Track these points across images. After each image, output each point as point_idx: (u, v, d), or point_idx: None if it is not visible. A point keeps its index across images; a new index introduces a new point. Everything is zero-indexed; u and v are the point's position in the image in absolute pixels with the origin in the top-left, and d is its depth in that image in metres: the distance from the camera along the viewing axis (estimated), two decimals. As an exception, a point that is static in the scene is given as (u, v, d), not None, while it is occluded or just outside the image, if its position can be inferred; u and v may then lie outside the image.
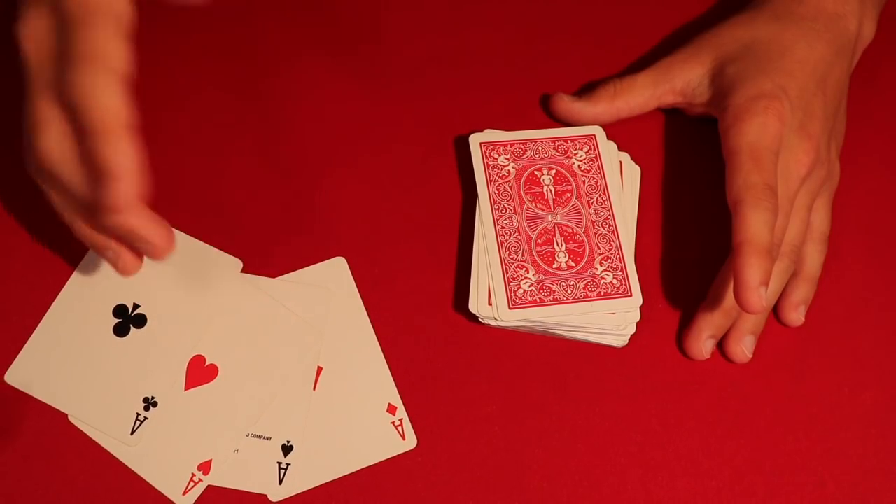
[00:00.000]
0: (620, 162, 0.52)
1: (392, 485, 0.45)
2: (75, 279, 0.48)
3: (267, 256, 0.49)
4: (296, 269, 0.49)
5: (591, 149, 0.51)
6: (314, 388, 0.46)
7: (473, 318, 0.48)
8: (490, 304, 0.47)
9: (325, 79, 0.54)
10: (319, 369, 0.47)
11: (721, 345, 0.49)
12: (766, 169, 0.46)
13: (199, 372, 0.46)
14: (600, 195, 0.50)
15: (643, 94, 0.52)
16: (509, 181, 0.50)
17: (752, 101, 0.47)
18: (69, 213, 0.41)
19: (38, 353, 0.46)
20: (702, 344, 0.48)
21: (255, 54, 0.55)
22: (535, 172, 0.50)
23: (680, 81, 0.52)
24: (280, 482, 0.45)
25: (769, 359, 0.49)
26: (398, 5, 0.57)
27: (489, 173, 0.50)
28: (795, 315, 0.49)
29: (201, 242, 0.49)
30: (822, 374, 0.49)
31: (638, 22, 0.57)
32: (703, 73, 0.51)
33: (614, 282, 0.48)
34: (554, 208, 0.49)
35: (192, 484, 0.44)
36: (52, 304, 0.47)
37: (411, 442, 0.46)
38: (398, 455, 0.46)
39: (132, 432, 0.45)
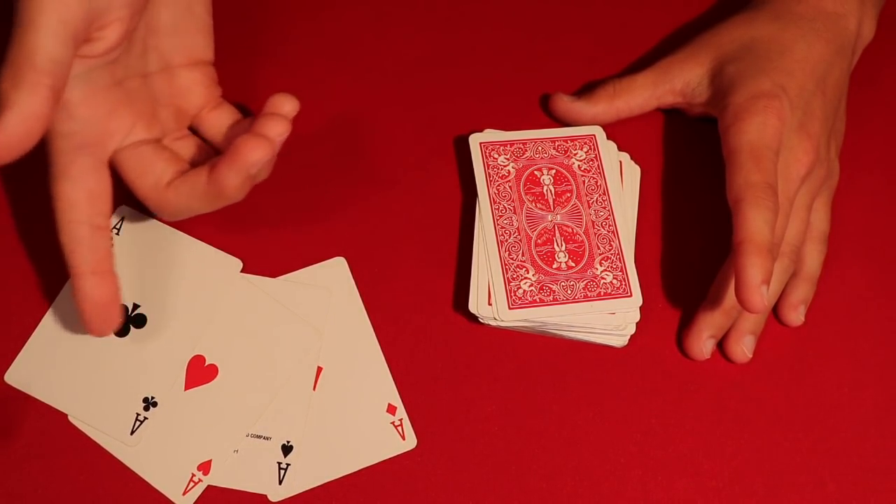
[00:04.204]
0: (620, 162, 0.52)
1: (392, 485, 0.45)
2: (75, 279, 0.48)
3: (267, 256, 0.49)
4: (296, 269, 0.49)
5: (590, 149, 0.51)
6: (314, 388, 0.46)
7: (473, 318, 0.48)
8: (490, 304, 0.47)
9: (325, 78, 0.55)
10: (319, 369, 0.47)
11: (721, 345, 0.49)
12: (766, 168, 0.46)
13: (199, 372, 0.46)
14: (600, 195, 0.50)
15: (643, 94, 0.52)
16: (509, 181, 0.50)
17: (752, 101, 0.47)
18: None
19: (38, 353, 0.46)
20: (702, 344, 0.48)
21: (255, 53, 0.55)
22: (535, 172, 0.50)
23: (679, 81, 0.52)
24: (280, 482, 0.45)
25: (769, 359, 0.49)
26: (398, 5, 0.57)
27: (489, 173, 0.50)
28: (795, 315, 0.49)
29: (201, 242, 0.49)
30: (822, 374, 0.49)
31: (638, 22, 0.57)
32: (703, 73, 0.51)
33: (614, 282, 0.48)
34: (554, 208, 0.49)
35: (191, 484, 0.44)
36: (52, 304, 0.47)
37: (411, 442, 0.46)
38: (398, 455, 0.46)
39: (132, 432, 0.45)
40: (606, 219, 0.49)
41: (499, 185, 0.50)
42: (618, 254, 0.48)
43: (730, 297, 0.47)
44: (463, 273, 0.49)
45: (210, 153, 0.47)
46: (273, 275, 0.49)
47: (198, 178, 0.42)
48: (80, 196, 0.42)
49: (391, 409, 0.46)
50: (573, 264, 0.48)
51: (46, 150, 0.42)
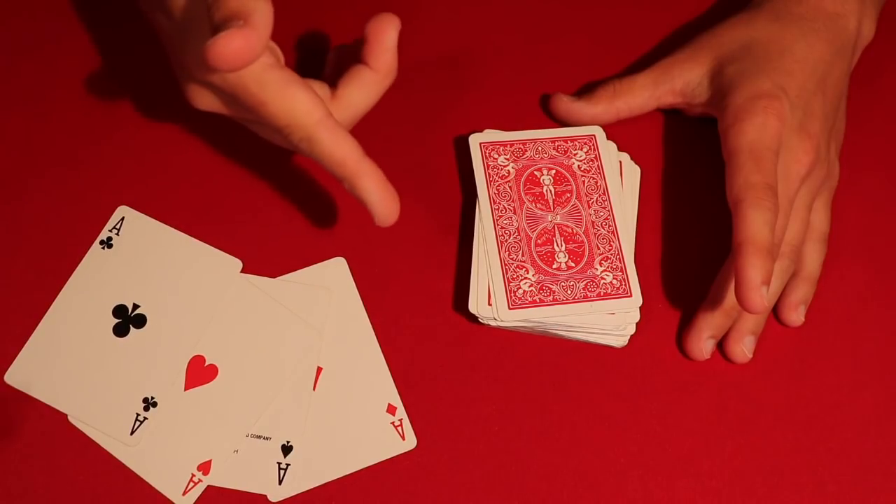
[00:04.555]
0: (620, 162, 0.52)
1: (392, 485, 0.45)
2: (75, 279, 0.48)
3: (267, 256, 0.49)
4: (296, 269, 0.49)
5: (590, 149, 0.51)
6: (314, 389, 0.46)
7: (473, 319, 0.48)
8: (490, 304, 0.47)
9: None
10: (319, 369, 0.47)
11: (721, 345, 0.49)
12: (766, 169, 0.46)
13: (199, 372, 0.46)
14: (600, 195, 0.50)
15: (643, 94, 0.52)
16: (509, 181, 0.50)
17: (752, 101, 0.47)
18: None
19: (38, 353, 0.46)
20: (702, 344, 0.48)
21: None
22: (535, 173, 0.50)
23: (679, 82, 0.52)
24: (280, 482, 0.45)
25: (769, 359, 0.49)
26: (398, 5, 0.57)
27: (489, 173, 0.50)
28: (795, 315, 0.49)
29: (201, 242, 0.49)
30: (822, 374, 0.49)
31: (638, 22, 0.57)
32: (703, 74, 0.51)
33: (614, 282, 0.48)
34: (554, 208, 0.49)
35: (191, 484, 0.44)
36: (52, 304, 0.47)
37: (411, 442, 0.46)
38: (398, 455, 0.46)
39: (132, 432, 0.45)
40: (606, 219, 0.49)
41: (499, 186, 0.50)
42: (618, 254, 0.48)
43: (730, 297, 0.47)
44: (463, 273, 0.49)
45: None
46: (273, 275, 0.49)
47: (357, 69, 0.45)
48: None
49: (391, 410, 0.46)
50: (573, 264, 0.48)
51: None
